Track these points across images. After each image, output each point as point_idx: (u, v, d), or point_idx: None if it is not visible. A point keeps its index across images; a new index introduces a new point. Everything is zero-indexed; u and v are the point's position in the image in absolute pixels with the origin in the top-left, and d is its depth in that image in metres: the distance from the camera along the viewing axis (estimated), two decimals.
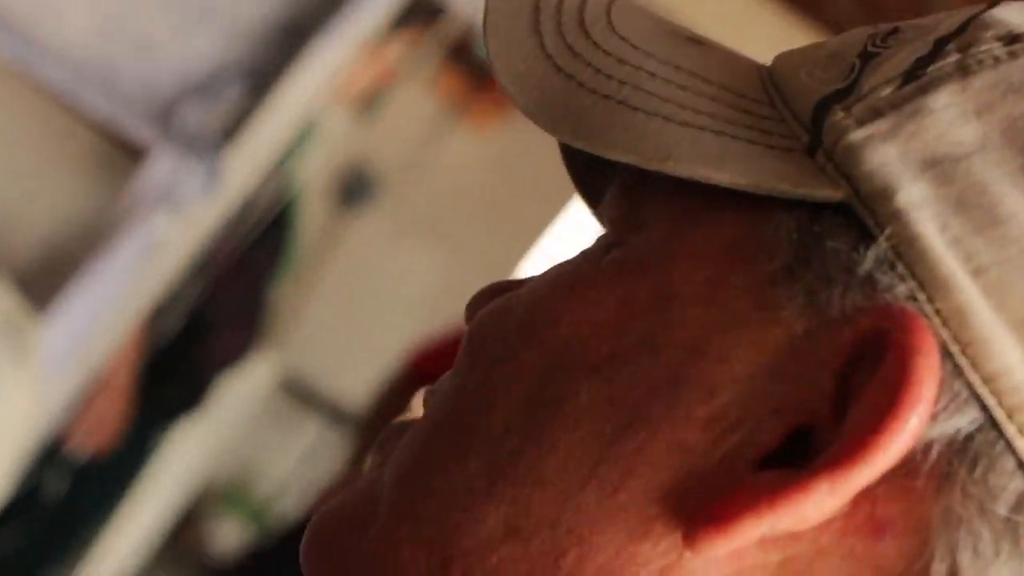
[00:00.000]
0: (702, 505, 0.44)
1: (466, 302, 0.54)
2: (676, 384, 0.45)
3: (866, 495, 0.43)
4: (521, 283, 0.53)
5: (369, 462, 0.52)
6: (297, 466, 4.18)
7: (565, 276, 0.50)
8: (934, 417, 0.43)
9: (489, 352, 0.49)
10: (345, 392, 4.15)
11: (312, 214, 3.73)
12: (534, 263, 4.27)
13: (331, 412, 4.29)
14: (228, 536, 4.11)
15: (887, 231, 0.44)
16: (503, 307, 0.50)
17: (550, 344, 0.47)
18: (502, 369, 0.48)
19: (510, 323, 0.49)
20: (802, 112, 0.48)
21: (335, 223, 4.40)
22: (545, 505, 0.45)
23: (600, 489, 0.45)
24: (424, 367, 2.22)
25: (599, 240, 0.52)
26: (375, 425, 2.25)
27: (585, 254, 0.51)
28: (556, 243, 4.40)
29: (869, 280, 0.44)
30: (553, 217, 4.42)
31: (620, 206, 0.51)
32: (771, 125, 0.48)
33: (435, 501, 0.47)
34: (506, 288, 0.53)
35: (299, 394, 4.22)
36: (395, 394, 2.30)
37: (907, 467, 0.43)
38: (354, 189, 4.45)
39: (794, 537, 0.44)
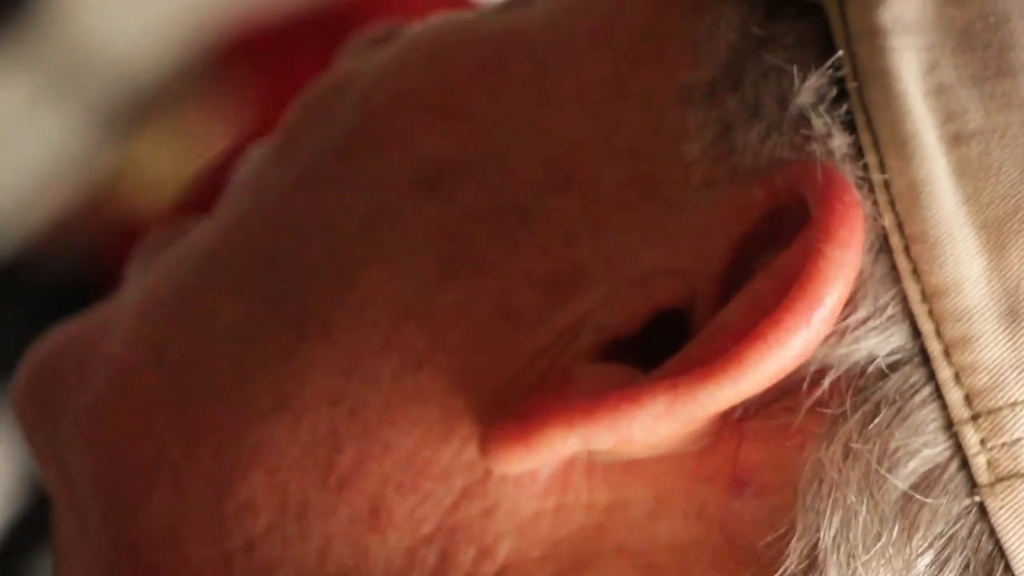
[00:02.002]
0: (515, 399, 0.32)
1: None
2: (524, 219, 0.33)
3: (730, 429, 0.32)
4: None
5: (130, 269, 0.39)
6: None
7: (429, 39, 0.36)
8: (840, 334, 0.31)
9: (309, 137, 0.36)
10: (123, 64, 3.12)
11: None
12: None
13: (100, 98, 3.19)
14: None
15: (845, 52, 0.32)
16: (346, 75, 0.37)
17: (380, 134, 0.34)
18: (315, 165, 0.35)
19: (347, 98, 0.36)
20: None
21: None
22: (327, 371, 0.33)
23: (399, 359, 0.32)
24: (248, 42, 1.89)
25: None
26: (163, 108, 1.97)
27: (482, 12, 0.37)
28: None
29: (801, 120, 0.32)
30: None
31: None
32: None
33: (190, 344, 0.34)
34: (395, 37, 0.39)
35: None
36: (205, 75, 1.96)
37: (788, 399, 0.32)
38: None
39: (629, 471, 0.32)
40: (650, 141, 0.33)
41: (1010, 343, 0.31)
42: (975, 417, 0.31)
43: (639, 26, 0.34)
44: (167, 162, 1.94)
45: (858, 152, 0.32)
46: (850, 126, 0.32)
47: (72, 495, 0.36)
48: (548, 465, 0.32)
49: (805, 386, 0.31)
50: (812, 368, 0.31)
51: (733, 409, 0.32)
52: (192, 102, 1.96)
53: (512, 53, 0.34)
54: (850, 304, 0.31)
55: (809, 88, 0.32)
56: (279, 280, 0.34)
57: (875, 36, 0.31)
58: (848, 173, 0.31)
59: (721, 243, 0.32)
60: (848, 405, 0.31)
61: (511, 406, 0.32)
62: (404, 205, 0.33)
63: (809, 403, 0.32)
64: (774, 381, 0.31)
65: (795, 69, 0.32)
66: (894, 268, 0.31)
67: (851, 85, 0.32)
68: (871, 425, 0.31)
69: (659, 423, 0.31)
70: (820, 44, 0.32)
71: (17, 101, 2.60)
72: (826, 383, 0.31)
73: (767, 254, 0.32)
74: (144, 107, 1.97)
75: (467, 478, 0.32)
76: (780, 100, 0.32)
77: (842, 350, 0.31)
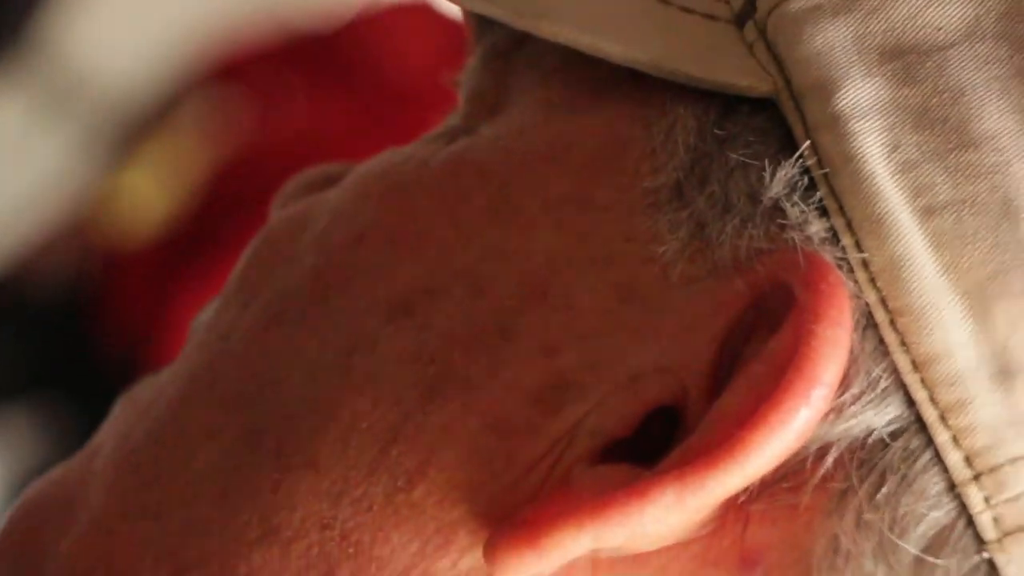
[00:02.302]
0: (515, 507, 0.32)
1: None
2: (503, 337, 0.33)
3: (735, 512, 0.33)
4: (353, 169, 0.39)
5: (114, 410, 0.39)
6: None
7: (382, 175, 0.36)
8: (837, 411, 0.32)
9: (272, 278, 0.36)
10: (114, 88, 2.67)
11: None
12: None
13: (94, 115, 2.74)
14: None
15: (810, 142, 0.32)
16: (301, 217, 0.37)
17: (347, 270, 0.35)
18: (283, 303, 0.35)
19: (306, 238, 0.36)
20: None
21: None
22: (315, 498, 0.33)
23: (390, 479, 0.33)
24: (235, 68, 1.88)
25: (445, 124, 0.39)
26: (151, 132, 1.93)
27: (423, 143, 0.38)
28: None
29: (776, 211, 0.33)
30: None
31: (481, 78, 0.38)
32: None
33: (170, 488, 0.35)
34: (333, 180, 0.39)
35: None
36: (194, 100, 1.92)
37: (792, 477, 0.32)
38: None
39: (635, 563, 0.33)
40: (621, 247, 0.33)
41: (1004, 401, 0.32)
42: (977, 476, 0.32)
43: (594, 140, 0.35)
44: (154, 186, 1.95)
45: (834, 235, 0.32)
46: (823, 211, 0.32)
47: None
48: (552, 567, 0.32)
49: (808, 464, 0.32)
50: (814, 447, 0.32)
51: (737, 493, 0.32)
52: (180, 127, 1.97)
53: (469, 180, 0.35)
54: (844, 381, 0.32)
55: (780, 180, 0.33)
56: (256, 419, 0.34)
57: (835, 124, 0.32)
58: (828, 255, 0.32)
59: (707, 337, 0.32)
60: (854, 478, 0.32)
61: (513, 514, 0.32)
62: (379, 334, 0.34)
63: (815, 480, 0.32)
64: (779, 462, 0.31)
65: (764, 163, 0.33)
66: (882, 342, 0.32)
67: (819, 173, 0.32)
68: (879, 494, 0.32)
69: (669, 515, 0.31)
70: (779, 136, 0.33)
71: (10, 122, 2.61)
72: (830, 460, 0.32)
73: (753, 342, 0.32)
74: (134, 131, 1.99)
75: None
76: (750, 194, 0.33)
77: (841, 426, 0.32)
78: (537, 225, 0.34)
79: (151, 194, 1.93)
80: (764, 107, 0.34)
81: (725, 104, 0.34)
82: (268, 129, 1.87)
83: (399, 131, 1.85)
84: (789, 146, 0.33)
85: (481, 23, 0.39)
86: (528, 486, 0.33)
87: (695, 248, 0.33)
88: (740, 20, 0.34)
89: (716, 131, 0.34)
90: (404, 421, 0.33)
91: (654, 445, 0.33)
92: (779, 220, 0.33)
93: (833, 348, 0.31)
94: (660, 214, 0.34)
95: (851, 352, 0.32)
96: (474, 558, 0.33)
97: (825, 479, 0.32)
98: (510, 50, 0.37)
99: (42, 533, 0.36)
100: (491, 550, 0.32)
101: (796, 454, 0.32)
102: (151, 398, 0.37)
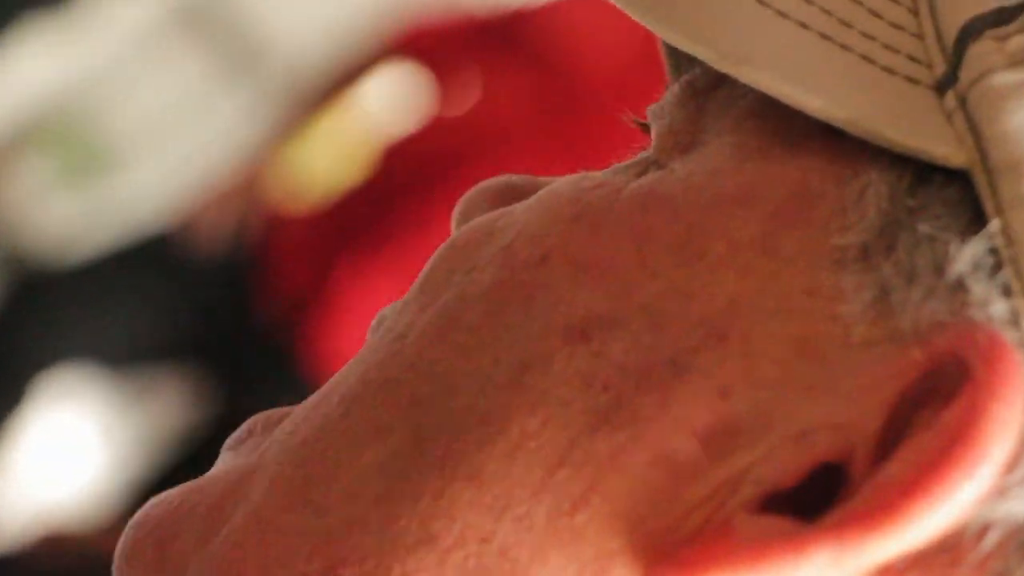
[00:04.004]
0: (675, 547, 0.32)
1: None
2: (679, 373, 0.33)
3: None
4: (535, 184, 0.39)
5: (221, 459, 0.39)
6: (167, 118, 2.77)
7: (573, 199, 0.36)
8: (1002, 491, 0.31)
9: (454, 285, 0.36)
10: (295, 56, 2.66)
11: None
12: None
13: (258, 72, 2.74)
14: (30, 180, 2.63)
15: (999, 222, 0.32)
16: (487, 227, 0.37)
17: (528, 288, 0.35)
18: (461, 312, 0.36)
19: (488, 251, 0.36)
20: (947, 30, 0.35)
21: None
22: (477, 510, 0.34)
23: (554, 502, 0.33)
24: (416, 44, 1.86)
25: (635, 159, 0.39)
26: (328, 103, 1.91)
27: (614, 171, 0.38)
28: None
29: (959, 287, 0.33)
30: None
31: (677, 114, 0.38)
32: (902, 40, 0.35)
33: (334, 483, 0.35)
34: (516, 192, 0.39)
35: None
36: (360, 70, 1.90)
37: (950, 551, 0.32)
38: None
39: None
40: (802, 301, 0.33)
41: None
42: None
43: (786, 188, 0.35)
44: (325, 156, 1.96)
45: (1015, 317, 0.32)
46: (1008, 291, 0.32)
47: None
48: None
49: (968, 541, 0.32)
50: (975, 525, 0.32)
51: (893, 560, 0.32)
52: (357, 100, 1.98)
53: (658, 216, 0.35)
54: (1010, 462, 0.32)
55: (967, 257, 0.33)
56: (424, 422, 0.35)
57: None
58: (1008, 336, 0.32)
59: (880, 400, 0.32)
60: (1013, 560, 0.32)
61: (670, 553, 0.33)
62: (555, 356, 0.34)
63: (974, 559, 0.32)
64: (937, 535, 0.31)
65: (952, 240, 0.33)
66: None
67: (1006, 253, 0.33)
68: None
69: (824, 572, 0.31)
70: (969, 210, 0.33)
71: (192, 81, 2.66)
72: (990, 540, 0.32)
73: (924, 411, 0.32)
74: (311, 100, 2.00)
75: None
76: (935, 267, 0.33)
77: (1004, 507, 0.32)
78: (722, 267, 0.34)
79: (322, 164, 1.95)
80: (956, 178, 0.33)
81: (917, 172, 0.34)
82: (442, 109, 1.86)
83: (571, 127, 1.85)
84: (977, 221, 0.33)
85: (681, 58, 0.40)
86: (689, 526, 0.33)
87: (877, 312, 0.33)
88: (941, 87, 0.34)
89: (908, 201, 0.34)
90: (572, 446, 0.34)
91: (812, 498, 0.33)
92: (962, 296, 0.33)
93: (1004, 428, 0.31)
94: (845, 273, 0.34)
95: (1021, 434, 0.32)
96: None
97: (984, 559, 0.32)
98: (708, 89, 0.38)
99: (181, 542, 0.37)
100: None
101: (956, 529, 0.32)
102: (322, 394, 0.37)
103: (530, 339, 0.35)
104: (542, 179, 0.41)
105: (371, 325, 0.39)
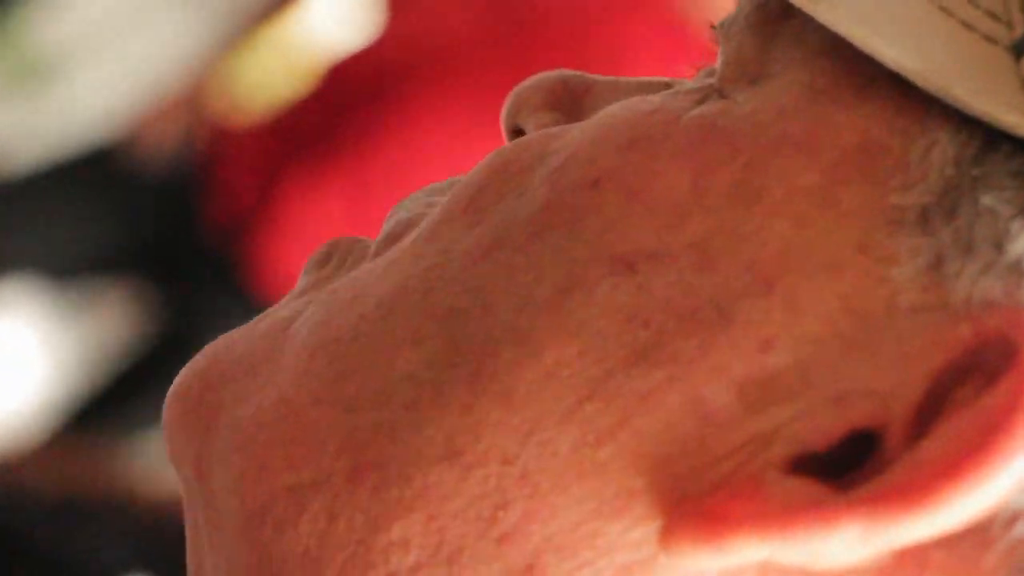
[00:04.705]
0: (699, 495, 0.32)
1: None
2: (722, 318, 0.33)
3: (917, 555, 0.32)
4: (593, 84, 0.39)
5: (297, 287, 0.39)
6: (109, 27, 2.54)
7: (630, 123, 0.35)
8: None
9: (503, 204, 0.36)
10: None
11: None
12: None
13: None
14: None
15: None
16: (539, 148, 0.36)
17: (577, 212, 0.34)
18: (508, 231, 0.35)
19: (540, 174, 0.35)
20: None
21: None
22: (504, 431, 0.33)
23: (580, 433, 0.33)
24: None
25: (698, 80, 0.38)
26: (276, 15, 1.86)
27: (674, 95, 0.37)
28: None
29: (1017, 268, 0.32)
30: None
31: (744, 43, 0.36)
32: None
33: (366, 385, 0.35)
34: (569, 90, 0.39)
35: None
36: None
37: (979, 536, 0.32)
38: None
39: None
40: (856, 259, 0.33)
41: None
42: None
43: (851, 139, 0.34)
44: (272, 69, 1.95)
45: None
46: None
47: (210, 498, 0.37)
48: (723, 566, 0.32)
49: (998, 529, 0.32)
50: (1007, 512, 0.31)
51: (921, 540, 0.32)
52: (305, 13, 1.96)
53: (718, 151, 0.34)
54: None
55: None
56: (461, 336, 0.34)
57: None
58: None
59: (923, 371, 0.32)
60: None
61: (695, 500, 0.32)
62: (598, 285, 0.33)
63: (1002, 546, 0.32)
64: (972, 519, 0.31)
65: (1016, 217, 0.32)
66: None
67: None
68: None
69: (852, 547, 0.31)
70: None
71: None
72: (1018, 529, 0.31)
73: (965, 389, 0.32)
74: (258, 12, 1.99)
75: (631, 556, 0.32)
76: (995, 242, 0.32)
77: None
78: (777, 213, 0.33)
79: (267, 76, 1.93)
80: (1021, 150, 0.32)
81: (987, 137, 0.33)
82: (392, 22, 1.85)
83: (520, 41, 1.83)
84: None
85: None
86: (715, 475, 0.32)
87: (929, 280, 0.32)
88: (1018, 49, 0.33)
89: (973, 169, 0.33)
90: (606, 378, 0.33)
91: (841, 460, 0.32)
92: (1018, 278, 0.32)
93: None
94: (902, 234, 0.33)
95: None
96: (646, 530, 0.32)
97: (1011, 547, 0.32)
98: (779, 18, 0.36)
99: (220, 394, 0.37)
100: (670, 534, 0.32)
101: (987, 516, 0.31)
102: (356, 293, 0.37)
103: (575, 263, 0.34)
104: (596, 78, 0.40)
105: (386, 218, 0.39)
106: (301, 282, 0.40)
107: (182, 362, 1.91)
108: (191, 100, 1.90)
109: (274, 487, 0.35)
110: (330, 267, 0.39)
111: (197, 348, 1.85)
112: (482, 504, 0.33)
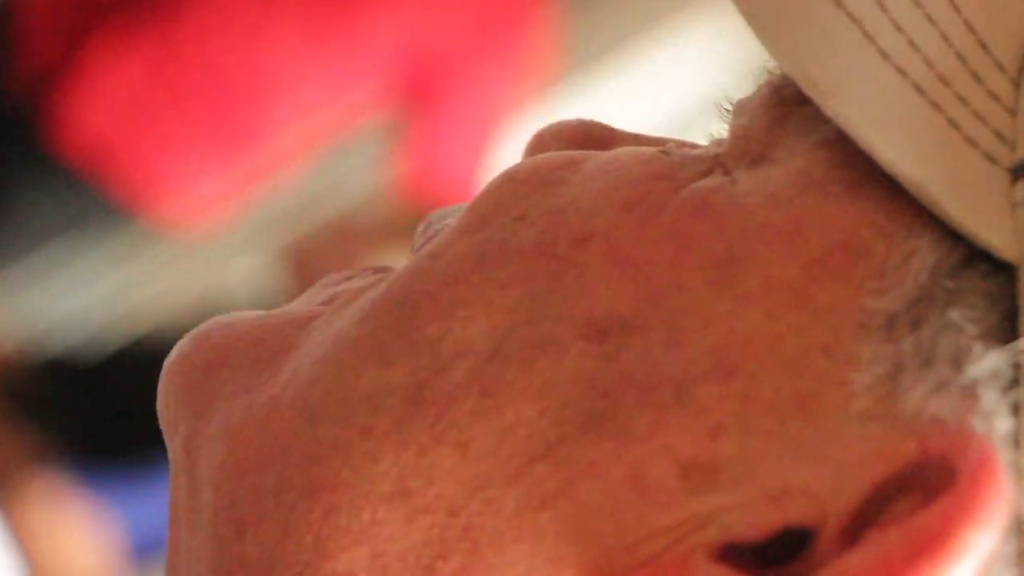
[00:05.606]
0: (626, 571, 0.32)
1: None
2: (679, 399, 0.33)
3: None
4: (612, 137, 0.39)
5: (309, 295, 0.39)
6: None
7: (633, 184, 0.36)
8: None
9: (497, 224, 0.36)
10: None
11: None
12: None
13: None
14: None
15: None
16: (549, 175, 0.37)
17: (563, 264, 0.34)
18: (496, 265, 0.35)
19: (542, 205, 0.36)
20: None
21: None
22: (455, 481, 0.33)
23: (527, 493, 0.33)
24: None
25: (706, 150, 0.37)
26: None
27: (679, 163, 0.37)
28: None
29: (971, 391, 0.32)
30: None
31: (755, 121, 0.37)
32: (994, 113, 0.34)
33: (333, 396, 0.35)
34: (592, 140, 0.39)
35: None
36: None
37: None
38: None
39: None
40: (819, 359, 0.33)
41: None
42: None
43: (835, 236, 0.34)
44: None
45: (1016, 438, 0.32)
46: (1016, 409, 0.32)
47: (194, 479, 0.37)
48: None
49: None
50: None
51: None
52: None
53: (703, 228, 0.34)
54: None
55: (987, 365, 0.32)
56: (428, 367, 0.34)
57: None
58: (1002, 456, 0.31)
59: (863, 479, 0.32)
60: None
61: (620, 573, 0.32)
62: (570, 348, 0.34)
63: None
64: None
65: (978, 339, 0.32)
66: (1020, 552, 0.32)
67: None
68: None
69: None
70: (1005, 309, 0.32)
71: None
72: None
73: (900, 502, 0.32)
74: None
75: None
76: (954, 360, 0.32)
77: None
78: (751, 302, 0.33)
79: None
80: (1002, 271, 0.33)
81: (967, 252, 0.33)
82: None
83: None
84: (1009, 320, 0.32)
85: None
86: (644, 552, 0.33)
87: (884, 390, 0.32)
88: (1016, 172, 0.33)
89: (947, 282, 0.33)
90: (559, 443, 0.33)
91: (774, 553, 0.33)
92: (971, 402, 0.32)
93: (972, 551, 0.31)
94: (867, 339, 0.33)
95: (987, 557, 0.31)
96: None
97: None
98: (795, 102, 0.36)
99: (220, 379, 0.37)
100: None
101: None
102: (358, 309, 0.37)
103: (550, 320, 0.34)
104: (620, 132, 0.40)
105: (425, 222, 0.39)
106: (318, 293, 0.39)
107: None
108: None
109: (242, 485, 0.35)
110: (355, 281, 0.39)
111: None
112: (423, 551, 0.33)
